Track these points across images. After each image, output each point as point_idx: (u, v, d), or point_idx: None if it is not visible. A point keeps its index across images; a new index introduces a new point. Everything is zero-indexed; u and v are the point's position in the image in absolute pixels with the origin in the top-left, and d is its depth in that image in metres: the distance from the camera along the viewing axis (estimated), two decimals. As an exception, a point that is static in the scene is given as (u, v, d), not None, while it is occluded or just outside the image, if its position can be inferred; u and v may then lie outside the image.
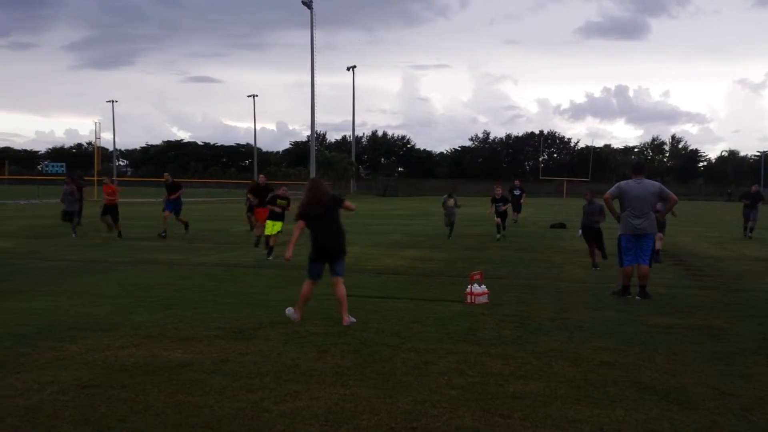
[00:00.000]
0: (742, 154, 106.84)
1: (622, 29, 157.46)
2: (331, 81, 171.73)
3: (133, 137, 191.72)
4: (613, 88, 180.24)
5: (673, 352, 5.90)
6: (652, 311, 7.84)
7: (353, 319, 6.93)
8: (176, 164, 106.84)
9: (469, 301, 8.11)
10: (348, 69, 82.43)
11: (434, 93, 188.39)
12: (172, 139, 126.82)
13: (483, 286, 8.24)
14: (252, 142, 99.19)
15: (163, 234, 16.86)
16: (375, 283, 9.76)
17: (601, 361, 5.56)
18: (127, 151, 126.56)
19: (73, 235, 16.77)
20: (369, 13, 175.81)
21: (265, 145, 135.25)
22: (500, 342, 6.21)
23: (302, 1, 65.28)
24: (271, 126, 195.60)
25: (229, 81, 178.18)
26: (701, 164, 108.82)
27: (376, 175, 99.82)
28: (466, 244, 16.43)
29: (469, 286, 8.22)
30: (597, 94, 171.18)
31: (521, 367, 5.36)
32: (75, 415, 4.17)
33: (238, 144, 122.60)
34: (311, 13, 65.58)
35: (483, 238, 18.16)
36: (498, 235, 17.62)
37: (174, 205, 17.55)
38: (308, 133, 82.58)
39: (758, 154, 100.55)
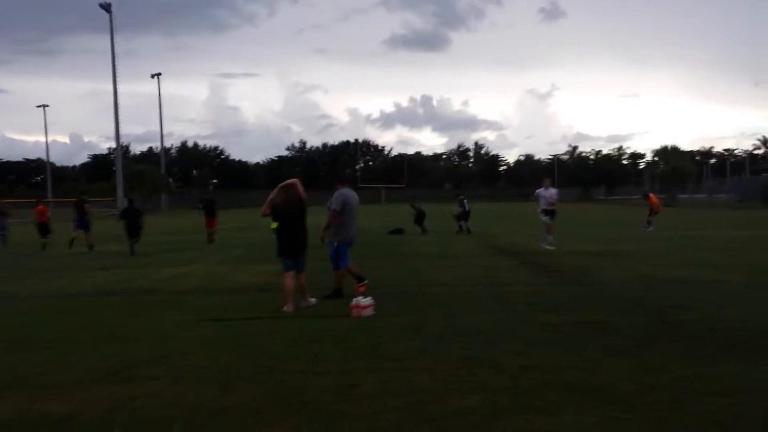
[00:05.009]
0: (536, 157, 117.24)
1: (425, 41, 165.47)
2: (132, 89, 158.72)
3: None
4: (418, 98, 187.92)
5: (578, 350, 6.01)
6: (532, 310, 8.04)
7: (313, 300, 8.49)
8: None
9: (355, 314, 7.76)
10: (153, 76, 77.99)
11: (245, 102, 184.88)
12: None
13: (369, 298, 7.94)
14: (43, 157, 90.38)
15: None
16: (243, 303, 9.06)
17: (520, 365, 5.50)
18: None
19: None
20: (171, 18, 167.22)
21: (59, 159, 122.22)
22: (411, 355, 5.95)
23: (100, 5, 60.72)
24: (64, 139, 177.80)
25: (14, 90, 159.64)
26: (502, 168, 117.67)
27: (189, 188, 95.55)
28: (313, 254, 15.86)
29: (355, 299, 7.89)
30: (404, 103, 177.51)
31: (448, 380, 5.13)
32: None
33: (27, 159, 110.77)
34: (111, 17, 61.16)
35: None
36: None
37: None
38: (107, 144, 77.88)
39: (550, 157, 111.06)
